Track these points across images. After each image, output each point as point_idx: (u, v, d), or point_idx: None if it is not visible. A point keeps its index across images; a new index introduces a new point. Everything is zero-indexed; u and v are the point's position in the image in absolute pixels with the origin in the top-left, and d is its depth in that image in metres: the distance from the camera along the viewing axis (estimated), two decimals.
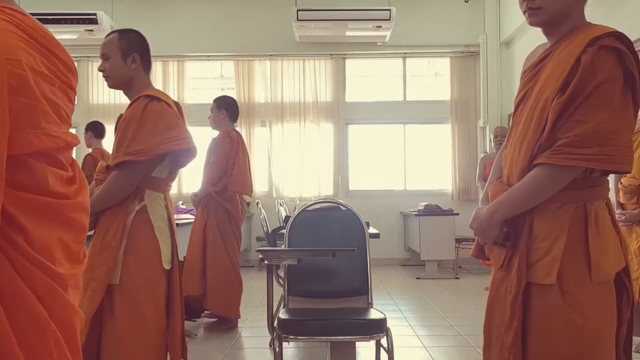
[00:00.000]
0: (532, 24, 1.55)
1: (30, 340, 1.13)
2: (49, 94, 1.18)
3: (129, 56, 2.23)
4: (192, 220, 4.26)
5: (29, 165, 1.13)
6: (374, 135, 7.98)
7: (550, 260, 1.43)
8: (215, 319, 4.13)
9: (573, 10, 1.51)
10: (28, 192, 1.14)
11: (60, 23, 6.38)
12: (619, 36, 1.42)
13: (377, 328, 2.29)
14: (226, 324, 4.07)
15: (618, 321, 1.48)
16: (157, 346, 2.14)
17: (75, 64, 1.34)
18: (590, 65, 1.40)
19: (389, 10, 6.71)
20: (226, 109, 4.22)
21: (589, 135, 1.38)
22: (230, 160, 4.02)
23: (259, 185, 7.70)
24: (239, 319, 4.15)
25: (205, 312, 4.19)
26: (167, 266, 2.20)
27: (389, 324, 2.32)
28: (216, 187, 3.97)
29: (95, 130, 5.45)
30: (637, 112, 1.45)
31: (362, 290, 2.62)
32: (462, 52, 7.70)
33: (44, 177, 1.17)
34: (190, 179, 7.34)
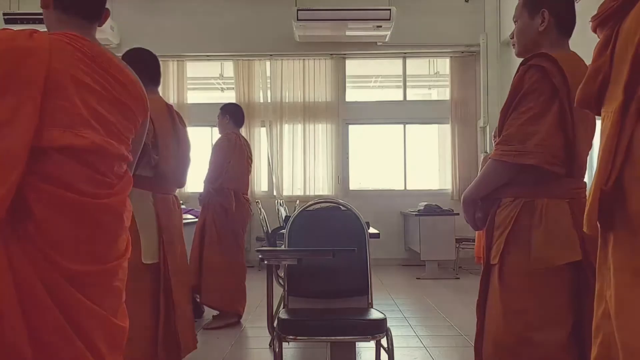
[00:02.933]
0: (516, 55, 1.93)
1: (34, 321, 1.18)
2: (93, 104, 1.33)
3: None
4: (193, 219, 4.43)
5: (54, 159, 1.26)
6: (374, 135, 7.97)
7: (498, 244, 1.73)
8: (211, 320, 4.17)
9: (541, 41, 1.82)
10: (51, 184, 1.25)
11: None
12: (546, 56, 1.71)
13: (377, 328, 2.29)
14: (224, 319, 4.10)
15: (579, 312, 1.65)
16: (136, 340, 2.18)
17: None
18: (520, 80, 1.73)
19: (389, 10, 6.71)
20: (230, 115, 4.38)
21: (511, 135, 1.71)
22: (227, 160, 4.16)
23: (259, 185, 7.70)
24: (240, 317, 4.18)
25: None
26: (146, 260, 2.27)
27: (389, 324, 2.32)
28: (214, 185, 4.13)
29: None
30: (568, 117, 1.67)
31: (362, 290, 2.62)
32: (463, 52, 7.69)
33: (68, 172, 1.27)
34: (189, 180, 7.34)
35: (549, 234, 1.67)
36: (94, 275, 1.29)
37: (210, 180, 4.14)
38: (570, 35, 1.85)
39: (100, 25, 1.58)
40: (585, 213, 1.06)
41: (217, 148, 4.22)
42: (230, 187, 4.13)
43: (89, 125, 1.30)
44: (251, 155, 4.48)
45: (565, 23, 1.83)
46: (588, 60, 1.20)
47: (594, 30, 1.15)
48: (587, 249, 1.66)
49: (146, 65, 2.52)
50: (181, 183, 2.67)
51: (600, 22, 1.11)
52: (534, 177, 1.71)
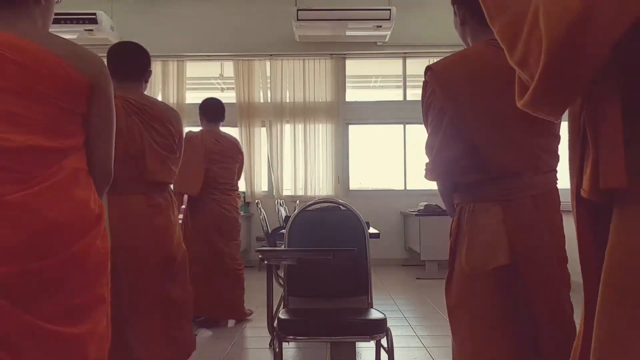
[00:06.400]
0: None
1: None
2: (7, 106, 1.25)
3: None
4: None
5: None
6: (374, 135, 7.97)
7: (449, 252, 1.77)
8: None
9: (464, 35, 1.85)
10: None
11: (59, 23, 6.37)
12: (430, 68, 1.72)
13: (377, 328, 2.28)
14: (205, 322, 4.07)
15: (512, 316, 1.61)
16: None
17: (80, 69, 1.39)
18: (422, 94, 1.76)
19: (389, 10, 6.71)
20: (201, 111, 4.26)
21: (425, 150, 1.76)
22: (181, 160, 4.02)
23: (259, 185, 7.70)
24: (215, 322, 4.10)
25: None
26: None
27: (389, 324, 2.32)
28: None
29: None
30: (461, 125, 1.65)
31: (362, 290, 2.61)
32: None
33: None
34: None
35: (472, 239, 1.66)
36: (17, 276, 1.20)
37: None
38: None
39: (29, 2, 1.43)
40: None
41: None
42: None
43: None
44: (225, 153, 4.18)
45: (478, 10, 1.73)
46: None
47: None
48: (517, 252, 1.61)
49: (111, 65, 2.47)
50: (160, 181, 2.54)
51: None
52: (464, 184, 1.72)
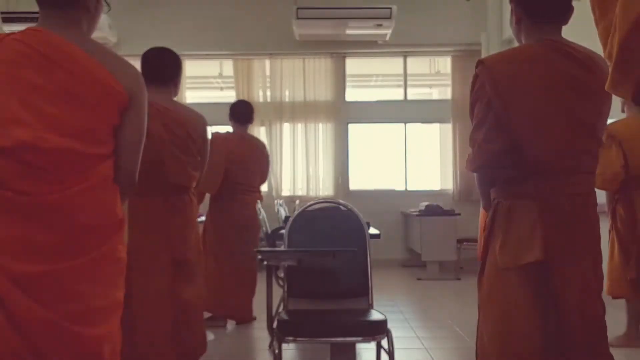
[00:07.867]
0: None
1: None
2: (32, 99, 1.28)
3: None
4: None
5: None
6: (375, 135, 7.94)
7: (482, 246, 1.83)
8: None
9: (519, 34, 1.84)
10: None
11: None
12: (481, 63, 1.76)
13: (378, 329, 2.27)
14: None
15: (541, 311, 1.64)
16: None
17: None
18: (471, 89, 1.81)
19: (390, 8, 6.67)
20: (229, 113, 4.39)
21: (469, 142, 1.81)
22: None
23: None
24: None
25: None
26: None
27: (390, 325, 2.30)
28: None
29: None
30: (505, 120, 1.69)
31: (363, 291, 2.59)
32: (464, 51, 7.65)
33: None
34: None
35: (507, 234, 1.71)
36: (44, 275, 1.23)
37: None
38: (547, 20, 1.76)
39: (87, 8, 1.48)
40: None
41: None
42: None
43: (19, 122, 1.26)
44: (247, 155, 4.27)
45: (532, 10, 1.78)
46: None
47: None
48: (551, 249, 1.64)
49: (153, 65, 2.60)
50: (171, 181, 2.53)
51: None
52: (502, 179, 1.77)
